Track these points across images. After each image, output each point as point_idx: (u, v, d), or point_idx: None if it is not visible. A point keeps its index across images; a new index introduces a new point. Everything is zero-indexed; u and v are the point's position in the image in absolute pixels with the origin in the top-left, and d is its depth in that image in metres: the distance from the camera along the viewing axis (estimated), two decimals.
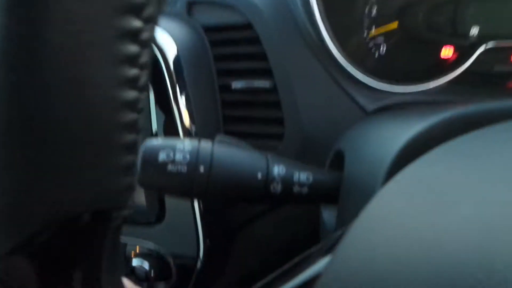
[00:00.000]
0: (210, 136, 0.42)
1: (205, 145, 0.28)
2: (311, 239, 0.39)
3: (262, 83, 0.47)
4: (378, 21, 0.53)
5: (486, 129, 0.21)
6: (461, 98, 0.45)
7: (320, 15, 0.44)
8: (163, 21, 0.52)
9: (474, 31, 0.48)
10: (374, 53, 0.54)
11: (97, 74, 0.14)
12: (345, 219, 0.28)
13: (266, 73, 0.47)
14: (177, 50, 0.46)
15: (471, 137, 0.20)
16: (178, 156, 0.27)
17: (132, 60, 0.15)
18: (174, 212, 0.47)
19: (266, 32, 0.46)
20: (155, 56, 0.47)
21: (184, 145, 0.27)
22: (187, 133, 0.48)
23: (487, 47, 0.46)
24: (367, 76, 0.45)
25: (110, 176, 0.15)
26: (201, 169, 0.26)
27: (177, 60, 0.48)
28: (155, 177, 0.26)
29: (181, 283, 0.51)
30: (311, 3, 0.43)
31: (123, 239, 0.52)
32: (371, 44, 0.54)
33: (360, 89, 0.45)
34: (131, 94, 0.15)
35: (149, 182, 0.27)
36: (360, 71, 0.45)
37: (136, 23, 0.14)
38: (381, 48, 0.54)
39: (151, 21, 0.15)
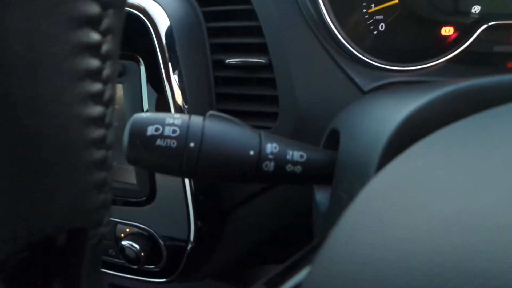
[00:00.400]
0: (203, 114, 0.41)
1: (196, 119, 0.26)
2: (304, 220, 0.38)
3: (257, 59, 0.45)
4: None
5: (476, 116, 0.20)
6: (460, 77, 0.44)
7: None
8: None
9: (475, 10, 0.47)
10: (373, 31, 0.53)
11: (59, 90, 0.13)
12: (339, 200, 0.28)
13: (262, 49, 0.45)
14: (169, 23, 0.44)
15: (459, 126, 0.20)
16: (168, 130, 0.26)
17: (94, 75, 0.14)
18: (165, 192, 0.46)
19: (263, 6, 0.45)
20: (146, 28, 0.45)
21: (174, 119, 0.26)
22: (179, 110, 0.47)
23: (487, 26, 0.45)
24: (365, 54, 0.44)
25: (82, 194, 0.15)
26: (191, 144, 0.25)
27: (169, 33, 0.46)
28: (143, 152, 0.25)
29: (172, 265, 0.51)
30: None
31: (114, 219, 0.51)
32: (370, 21, 0.53)
33: (358, 67, 0.44)
34: (96, 109, 0.15)
35: (136, 158, 0.26)
36: (359, 49, 0.44)
37: (94, 36, 0.14)
38: (381, 26, 0.52)
39: (110, 33, 0.14)
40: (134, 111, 0.30)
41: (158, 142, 0.26)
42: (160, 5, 0.47)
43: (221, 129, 0.26)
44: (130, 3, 0.45)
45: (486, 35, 0.46)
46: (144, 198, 0.48)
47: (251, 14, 0.45)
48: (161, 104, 0.47)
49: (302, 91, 0.44)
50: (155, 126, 0.26)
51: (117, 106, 0.48)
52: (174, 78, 0.46)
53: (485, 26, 0.45)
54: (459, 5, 0.47)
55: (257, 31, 0.45)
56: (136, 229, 0.50)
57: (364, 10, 0.52)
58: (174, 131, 0.26)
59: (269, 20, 0.45)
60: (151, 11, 0.46)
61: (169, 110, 0.47)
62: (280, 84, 0.45)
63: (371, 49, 0.46)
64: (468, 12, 0.47)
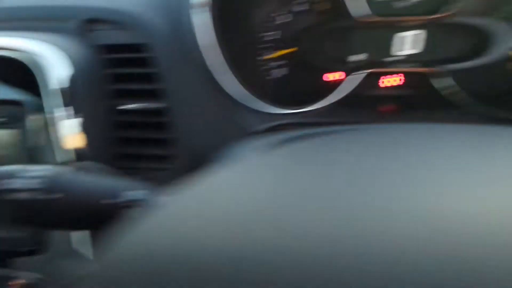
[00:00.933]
0: (103, 158, 0.41)
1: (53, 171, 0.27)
2: None
3: (155, 104, 0.47)
4: (274, 46, 0.56)
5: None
6: (340, 119, 0.49)
7: (211, 41, 0.45)
8: (55, 37, 0.50)
9: (357, 58, 0.53)
10: (267, 77, 0.57)
11: None
12: None
13: (160, 94, 0.47)
14: (70, 69, 0.45)
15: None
16: (22, 182, 0.26)
17: None
18: (56, 238, 0.45)
19: (162, 53, 0.47)
20: (40, 74, 0.45)
21: (29, 172, 0.26)
22: (79, 155, 0.47)
23: (365, 73, 0.51)
24: (254, 100, 0.47)
25: None
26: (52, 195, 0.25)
27: (69, 78, 0.46)
28: None
29: None
30: (203, 29, 0.45)
31: (4, 271, 0.48)
32: (265, 68, 0.57)
33: (247, 111, 0.47)
34: None
35: None
36: (248, 95, 0.47)
37: None
38: (274, 72, 0.57)
39: None
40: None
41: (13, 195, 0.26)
42: (62, 51, 0.48)
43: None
44: (21, 47, 0.45)
45: (363, 80, 0.52)
46: (36, 247, 0.46)
47: (150, 62, 0.47)
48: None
49: (197, 134, 0.46)
50: (7, 179, 0.26)
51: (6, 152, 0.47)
52: (72, 123, 0.46)
53: (362, 72, 0.50)
54: (343, 54, 0.53)
55: (156, 77, 0.47)
56: (30, 281, 0.47)
57: (259, 58, 0.57)
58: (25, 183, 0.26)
59: (167, 67, 0.47)
60: (52, 57, 0.47)
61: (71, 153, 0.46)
62: (177, 128, 0.46)
63: (262, 94, 0.50)
64: (351, 60, 0.53)
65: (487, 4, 0.47)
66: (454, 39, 0.49)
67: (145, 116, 0.48)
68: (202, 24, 0.44)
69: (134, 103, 0.48)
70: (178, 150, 0.47)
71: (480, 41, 0.48)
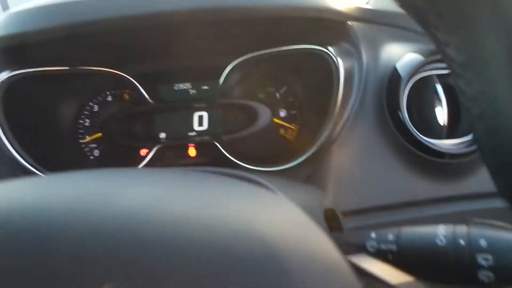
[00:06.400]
0: None
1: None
2: None
3: None
4: (86, 132, 0.63)
5: None
6: None
7: (6, 135, 0.49)
8: None
9: (162, 136, 0.62)
10: (90, 156, 0.63)
11: None
12: None
13: None
14: None
15: None
16: None
17: None
18: None
19: None
20: None
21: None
22: None
23: (166, 146, 0.60)
24: None
25: None
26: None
27: None
28: None
29: None
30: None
31: None
32: (86, 149, 0.63)
33: None
34: None
35: None
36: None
37: None
38: (95, 152, 0.63)
39: None
40: None
41: None
42: None
43: None
44: None
45: (171, 152, 0.60)
46: None
47: None
48: None
49: None
50: None
51: None
52: None
53: (164, 145, 0.59)
54: (149, 133, 0.62)
55: None
56: None
57: (80, 141, 0.63)
58: None
59: None
60: None
61: None
62: None
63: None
64: (157, 138, 0.62)
65: (249, 91, 0.62)
66: (230, 115, 0.62)
67: None
68: None
69: None
70: None
71: (249, 115, 0.62)
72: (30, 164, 0.50)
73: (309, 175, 0.50)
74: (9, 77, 0.49)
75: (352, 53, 0.52)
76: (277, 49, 0.55)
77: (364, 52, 0.52)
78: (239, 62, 0.56)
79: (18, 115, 0.51)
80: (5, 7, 0.88)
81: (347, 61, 0.50)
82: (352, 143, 0.49)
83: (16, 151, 0.49)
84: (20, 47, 0.49)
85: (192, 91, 0.62)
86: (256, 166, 0.54)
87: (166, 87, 0.62)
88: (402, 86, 0.49)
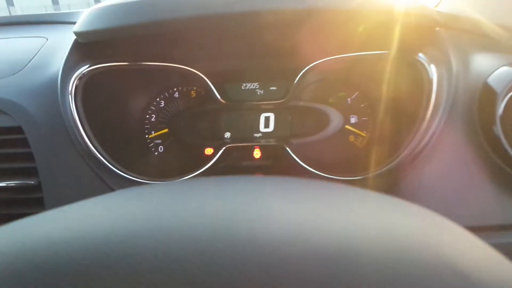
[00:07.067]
0: None
1: None
2: None
3: (27, 181, 0.48)
4: (152, 127, 0.62)
5: None
6: None
7: (83, 125, 0.48)
8: None
9: (227, 135, 0.61)
10: (154, 152, 0.62)
11: None
12: None
13: (33, 172, 0.49)
14: None
15: None
16: None
17: None
18: None
19: (35, 135, 0.49)
20: None
21: None
22: None
23: (234, 146, 0.58)
24: (128, 172, 0.51)
25: None
26: None
27: None
28: None
29: None
30: (73, 115, 0.48)
31: None
32: (151, 144, 0.62)
33: (123, 183, 0.50)
34: None
35: None
36: (121, 168, 0.51)
37: None
38: (156, 148, 0.62)
39: None
40: None
41: None
42: None
43: None
44: None
45: (234, 153, 0.59)
46: None
47: (24, 142, 0.49)
48: None
49: None
50: None
51: None
52: None
53: (230, 145, 0.58)
54: (214, 132, 0.61)
55: (29, 157, 0.49)
56: None
57: (146, 136, 0.62)
58: None
59: (41, 147, 0.48)
60: None
61: None
62: (49, 204, 0.48)
63: (142, 169, 0.54)
64: (222, 137, 0.60)
65: (320, 94, 0.60)
66: (299, 118, 0.60)
67: (16, 193, 0.48)
68: (72, 108, 0.48)
69: (5, 181, 0.48)
70: None
71: (320, 120, 0.60)
72: (103, 156, 0.49)
73: (388, 188, 0.47)
74: (90, 70, 0.49)
75: (441, 60, 0.48)
76: (358, 54, 0.52)
77: (454, 60, 0.48)
78: (315, 64, 0.53)
79: (94, 108, 0.51)
80: (10, 3, 0.89)
81: (438, 69, 0.47)
82: (438, 157, 0.46)
83: (91, 143, 0.49)
84: (102, 42, 0.48)
85: (259, 91, 0.60)
86: (329, 174, 0.51)
87: (233, 86, 0.60)
88: (499, 101, 0.45)
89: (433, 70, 0.46)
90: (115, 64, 0.50)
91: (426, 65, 0.46)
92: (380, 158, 0.51)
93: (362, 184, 0.49)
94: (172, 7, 0.45)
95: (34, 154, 0.48)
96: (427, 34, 0.49)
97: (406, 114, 0.50)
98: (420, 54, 0.47)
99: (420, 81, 0.47)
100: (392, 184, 0.47)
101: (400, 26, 0.48)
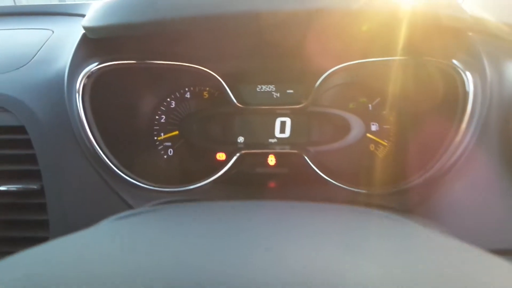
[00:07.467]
0: None
1: None
2: None
3: (29, 185, 0.45)
4: (162, 129, 0.59)
5: None
6: (223, 195, 0.51)
7: (90, 126, 0.45)
8: None
9: (240, 140, 0.57)
10: (164, 155, 0.59)
11: None
12: None
13: (35, 175, 0.46)
14: None
15: None
16: None
17: None
18: None
19: (39, 136, 0.45)
20: None
21: None
22: None
23: (248, 152, 0.55)
24: (136, 178, 0.48)
25: None
26: None
27: None
28: None
29: None
30: (80, 115, 0.45)
31: None
32: (160, 147, 0.59)
33: (131, 190, 0.47)
34: None
35: None
36: (130, 174, 0.48)
37: None
38: (169, 151, 0.59)
39: None
40: None
41: None
42: None
43: None
44: None
45: (248, 159, 0.56)
46: None
47: (27, 143, 0.46)
48: None
49: (74, 216, 0.45)
50: None
51: None
52: None
53: (244, 152, 0.54)
54: (227, 136, 0.58)
55: (32, 158, 0.46)
56: None
57: (155, 138, 0.59)
58: None
59: (45, 149, 0.45)
60: None
61: None
62: (52, 209, 0.44)
63: (151, 174, 0.51)
64: (234, 141, 0.57)
65: (339, 99, 0.57)
66: (317, 124, 0.56)
67: (18, 197, 0.45)
68: (79, 108, 0.45)
69: (7, 184, 0.45)
70: (53, 233, 0.44)
71: (340, 126, 0.56)
72: (110, 160, 0.46)
73: (416, 205, 0.44)
74: (99, 68, 0.46)
75: (475, 68, 0.45)
76: (386, 59, 0.48)
77: (488, 67, 0.45)
78: (339, 68, 0.50)
79: (102, 108, 0.47)
80: None
81: (473, 77, 0.43)
82: (472, 172, 0.43)
83: (99, 146, 0.46)
84: (112, 38, 0.45)
85: (275, 94, 0.57)
86: (349, 186, 0.48)
87: (248, 87, 0.57)
88: None
89: (469, 78, 0.42)
90: (125, 62, 0.47)
91: (462, 72, 0.42)
92: (404, 171, 0.48)
93: (387, 199, 0.46)
94: (189, 2, 0.42)
95: (37, 156, 0.45)
96: (460, 39, 0.46)
97: (434, 124, 0.47)
98: (454, 61, 0.44)
99: (452, 89, 0.43)
100: (419, 201, 0.44)
101: (432, 29, 0.45)
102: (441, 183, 0.43)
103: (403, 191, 0.44)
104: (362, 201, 0.45)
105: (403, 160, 0.50)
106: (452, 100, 0.43)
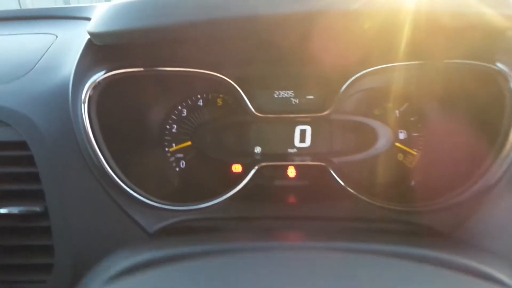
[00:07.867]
0: None
1: None
2: None
3: (31, 207, 0.41)
4: (176, 138, 0.55)
5: None
6: (241, 213, 0.47)
7: (97, 140, 0.42)
8: None
9: (257, 150, 0.53)
10: (175, 167, 0.55)
11: None
12: None
13: (38, 196, 0.42)
14: None
15: None
16: None
17: None
18: None
19: (42, 152, 0.42)
20: None
21: None
22: None
23: (266, 165, 0.51)
24: (148, 196, 0.44)
25: None
26: None
27: None
28: None
29: None
30: (86, 128, 0.41)
31: None
32: (172, 159, 0.55)
33: (141, 209, 0.43)
34: None
35: None
36: (142, 192, 0.44)
37: None
38: (181, 163, 0.55)
39: None
40: None
41: None
42: None
43: None
44: None
45: (266, 172, 0.52)
46: None
47: (29, 160, 0.42)
48: None
49: (81, 240, 0.41)
50: None
51: None
52: None
53: (263, 164, 0.50)
54: (242, 147, 0.53)
55: (35, 177, 0.42)
56: None
57: (166, 149, 0.55)
58: None
59: (48, 166, 0.42)
60: None
61: None
62: (56, 233, 0.41)
63: (163, 190, 0.47)
64: (251, 153, 0.53)
65: (364, 105, 0.52)
66: (340, 133, 0.52)
67: (21, 220, 0.42)
68: (85, 121, 0.41)
69: (8, 206, 0.42)
70: (58, 259, 0.40)
71: (366, 135, 0.52)
72: (120, 178, 0.42)
73: (458, 224, 0.39)
74: (105, 78, 0.42)
75: None
76: (417, 62, 0.44)
77: None
78: (365, 73, 0.45)
79: (109, 120, 0.44)
80: None
81: None
82: None
83: (107, 162, 0.42)
84: (120, 44, 0.41)
85: (294, 100, 0.53)
86: (378, 202, 0.44)
87: (265, 94, 0.53)
88: None
89: None
90: (134, 70, 0.43)
91: (509, 77, 0.38)
92: (442, 184, 0.43)
93: (422, 218, 0.41)
94: (201, 6, 0.37)
95: (40, 175, 0.41)
96: (502, 38, 0.41)
97: (473, 135, 0.43)
98: (499, 64, 0.39)
99: (496, 94, 0.39)
100: (465, 219, 0.39)
101: (471, 30, 0.40)
102: (484, 202, 0.38)
103: (448, 207, 0.40)
104: (398, 219, 0.41)
105: (440, 171, 0.46)
106: (497, 106, 0.39)
